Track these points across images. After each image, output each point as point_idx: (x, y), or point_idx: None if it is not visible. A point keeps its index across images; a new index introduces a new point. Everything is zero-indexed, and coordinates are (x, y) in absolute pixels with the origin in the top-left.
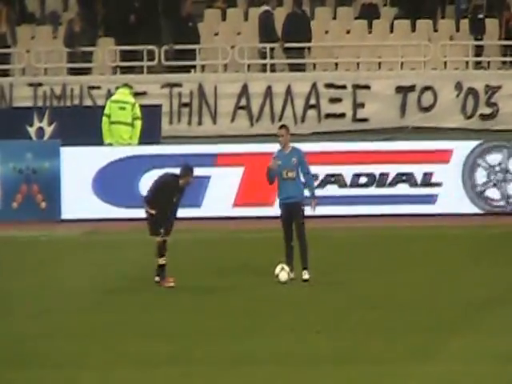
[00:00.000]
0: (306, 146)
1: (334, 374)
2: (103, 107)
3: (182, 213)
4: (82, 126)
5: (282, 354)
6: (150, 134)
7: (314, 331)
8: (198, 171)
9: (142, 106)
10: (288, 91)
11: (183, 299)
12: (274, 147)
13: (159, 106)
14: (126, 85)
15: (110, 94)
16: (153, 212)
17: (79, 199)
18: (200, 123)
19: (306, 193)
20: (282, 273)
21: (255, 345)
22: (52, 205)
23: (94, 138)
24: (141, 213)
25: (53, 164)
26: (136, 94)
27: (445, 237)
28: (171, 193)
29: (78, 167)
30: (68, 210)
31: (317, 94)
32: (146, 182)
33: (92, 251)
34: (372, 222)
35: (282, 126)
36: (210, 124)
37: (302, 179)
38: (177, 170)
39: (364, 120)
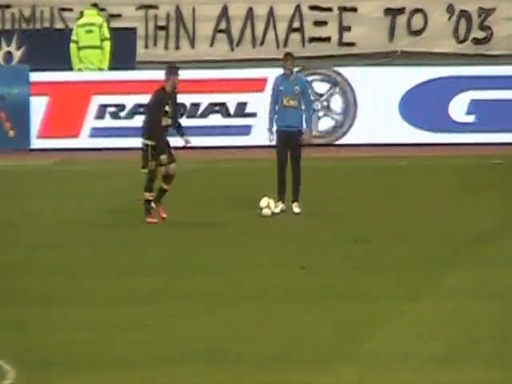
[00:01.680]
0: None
1: (319, 310)
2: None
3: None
4: (53, 50)
5: (267, 289)
6: (124, 59)
7: (299, 267)
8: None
9: (115, 29)
10: (270, 13)
11: (166, 234)
12: (255, 72)
13: (134, 30)
14: (93, 5)
15: (82, 17)
16: (148, 143)
17: (50, 127)
18: (177, 47)
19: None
20: (266, 210)
21: (241, 279)
22: (21, 133)
23: (66, 63)
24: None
25: (21, 90)
26: (110, 17)
27: None
28: (160, 104)
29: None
30: (38, 139)
31: (301, 17)
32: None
33: (65, 182)
34: None
35: (288, 55)
36: (187, 48)
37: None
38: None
39: (350, 44)
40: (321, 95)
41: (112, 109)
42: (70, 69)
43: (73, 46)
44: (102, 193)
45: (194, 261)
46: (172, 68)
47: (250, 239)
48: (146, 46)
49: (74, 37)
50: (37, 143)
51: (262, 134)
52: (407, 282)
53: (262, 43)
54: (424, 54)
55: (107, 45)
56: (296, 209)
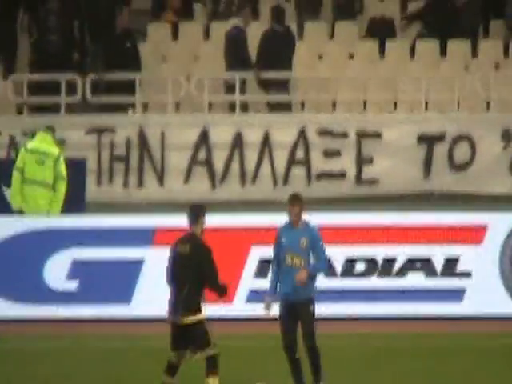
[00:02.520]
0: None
1: None
2: (6, 160)
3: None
4: None
5: None
6: (71, 200)
7: None
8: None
9: None
10: (265, 140)
11: None
12: (244, 220)
13: (83, 161)
14: (47, 128)
15: (13, 142)
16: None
17: None
18: (140, 185)
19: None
20: None
21: None
22: None
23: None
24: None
25: None
26: None
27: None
28: (188, 264)
29: None
30: None
31: (306, 145)
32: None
33: None
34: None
35: (295, 197)
36: (154, 186)
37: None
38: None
39: (372, 182)
40: None
41: None
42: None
43: (16, 175)
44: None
45: None
46: (200, 207)
47: None
48: (99, 183)
49: (19, 163)
50: None
51: None
52: None
53: (253, 180)
54: (471, 197)
55: (62, 186)
56: None
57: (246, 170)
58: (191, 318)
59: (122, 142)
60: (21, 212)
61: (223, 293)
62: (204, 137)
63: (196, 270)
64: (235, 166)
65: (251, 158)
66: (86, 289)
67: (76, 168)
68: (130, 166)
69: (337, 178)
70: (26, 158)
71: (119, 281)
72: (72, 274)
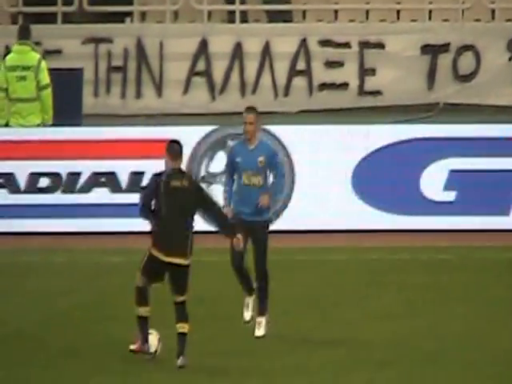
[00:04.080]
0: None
1: None
2: None
3: None
4: None
5: None
6: (67, 111)
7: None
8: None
9: (53, 70)
10: (266, 50)
11: None
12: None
13: (79, 71)
14: (22, 39)
15: (8, 52)
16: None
17: None
18: (138, 96)
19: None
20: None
21: None
22: None
23: None
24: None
25: None
26: (46, 53)
27: None
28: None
29: None
30: None
31: (307, 55)
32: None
33: None
34: None
35: (250, 109)
36: (152, 97)
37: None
38: None
39: (375, 93)
40: None
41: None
42: None
43: (0, 95)
44: None
45: None
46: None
47: None
48: (96, 94)
49: (1, 83)
50: None
51: None
52: None
53: (253, 90)
54: (475, 108)
55: (47, 94)
56: (259, 331)
57: (246, 81)
58: (190, 260)
59: (120, 52)
60: (6, 125)
61: (228, 221)
62: (203, 47)
63: (197, 203)
64: (235, 77)
65: (251, 68)
66: None
67: (72, 78)
68: (127, 77)
69: (339, 88)
70: (8, 76)
71: None
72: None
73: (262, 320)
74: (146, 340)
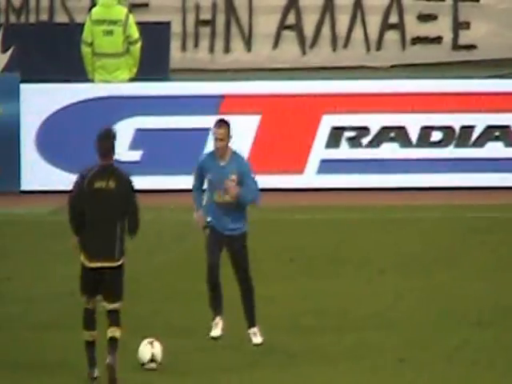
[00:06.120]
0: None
1: None
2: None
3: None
4: (53, 53)
5: None
6: (154, 66)
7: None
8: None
9: (139, 24)
10: (357, 3)
11: None
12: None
13: (167, 25)
14: None
15: (93, 5)
16: None
17: (44, 162)
18: (227, 50)
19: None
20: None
21: None
22: (8, 170)
23: (71, 71)
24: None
25: (9, 108)
26: (132, 6)
27: None
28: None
29: (42, 111)
30: (29, 178)
31: (400, 8)
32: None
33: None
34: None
35: (221, 124)
36: (241, 51)
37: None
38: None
39: (469, 47)
40: None
41: None
42: (79, 79)
43: (85, 49)
44: None
45: None
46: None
47: None
48: (184, 48)
49: (86, 37)
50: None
51: None
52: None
53: (345, 45)
54: None
55: (136, 49)
56: (256, 338)
57: (338, 35)
58: (121, 262)
59: (208, 5)
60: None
61: (137, 231)
62: (293, 0)
63: (123, 207)
64: (326, 31)
65: (343, 21)
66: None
67: (159, 32)
68: (216, 31)
69: (433, 42)
70: (94, 30)
71: (184, 150)
72: (135, 143)
73: (255, 329)
74: (92, 365)
